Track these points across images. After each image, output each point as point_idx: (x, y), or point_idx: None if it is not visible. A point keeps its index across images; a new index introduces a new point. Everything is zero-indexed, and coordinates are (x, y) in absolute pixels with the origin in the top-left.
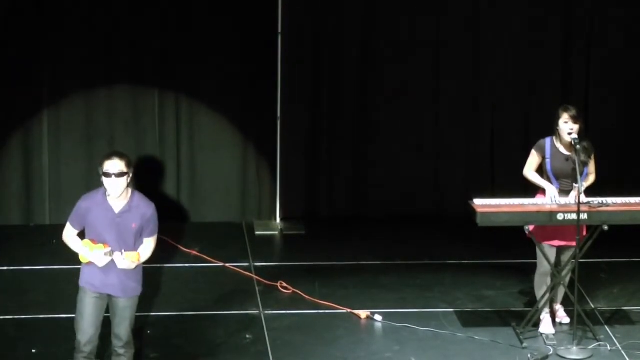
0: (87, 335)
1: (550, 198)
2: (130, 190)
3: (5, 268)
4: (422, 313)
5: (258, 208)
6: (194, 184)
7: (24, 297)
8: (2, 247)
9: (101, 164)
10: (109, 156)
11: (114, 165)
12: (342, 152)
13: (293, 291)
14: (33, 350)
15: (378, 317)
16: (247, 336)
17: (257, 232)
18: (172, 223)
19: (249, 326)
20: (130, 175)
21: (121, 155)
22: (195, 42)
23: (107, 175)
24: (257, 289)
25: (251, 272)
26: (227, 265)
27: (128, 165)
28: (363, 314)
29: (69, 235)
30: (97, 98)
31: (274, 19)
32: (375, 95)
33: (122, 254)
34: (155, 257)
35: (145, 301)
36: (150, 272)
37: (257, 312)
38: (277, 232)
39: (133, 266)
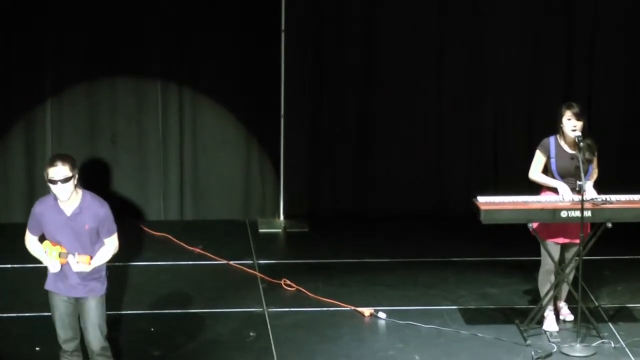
0: (63, 337)
1: (563, 196)
2: (80, 190)
3: (8, 266)
4: (426, 311)
5: (261, 206)
6: (197, 182)
7: (27, 295)
8: (5, 245)
9: (45, 171)
10: (51, 162)
11: (58, 171)
12: (345, 150)
13: (296, 289)
14: (37, 349)
15: (382, 315)
16: (251, 334)
17: (260, 230)
18: (175, 220)
19: (253, 324)
20: (76, 176)
21: (64, 159)
22: (198, 40)
23: (53, 182)
24: (260, 286)
25: (254, 270)
26: (231, 262)
27: (72, 167)
28: (366, 311)
29: (30, 242)
30: (100, 95)
31: (277, 17)
32: (377, 93)
33: (75, 256)
34: (158, 254)
35: (148, 298)
36: (153, 269)
37: (261, 309)
38: (280, 230)
39: (88, 269)
